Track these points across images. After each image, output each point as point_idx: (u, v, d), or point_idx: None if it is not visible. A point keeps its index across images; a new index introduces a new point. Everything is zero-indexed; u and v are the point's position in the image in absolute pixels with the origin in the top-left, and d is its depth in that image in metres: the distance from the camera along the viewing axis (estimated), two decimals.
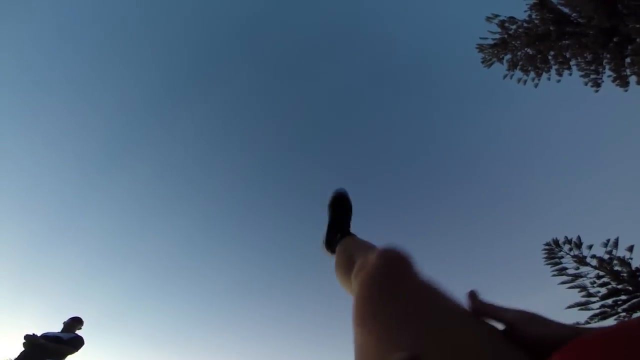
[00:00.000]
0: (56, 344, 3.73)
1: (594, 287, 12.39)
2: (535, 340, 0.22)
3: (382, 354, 0.22)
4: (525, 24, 11.55)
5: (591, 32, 11.45)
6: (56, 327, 4.05)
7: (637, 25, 10.93)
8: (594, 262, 12.70)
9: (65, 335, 3.88)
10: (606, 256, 12.61)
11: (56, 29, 30.58)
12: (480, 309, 0.31)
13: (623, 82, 12.41)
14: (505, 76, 13.09)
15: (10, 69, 27.84)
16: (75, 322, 4.05)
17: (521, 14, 11.42)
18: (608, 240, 12.69)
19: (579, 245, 13.28)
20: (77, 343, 3.89)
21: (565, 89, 14.06)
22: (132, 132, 36.27)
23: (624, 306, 11.64)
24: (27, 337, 3.64)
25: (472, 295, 0.33)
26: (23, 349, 3.72)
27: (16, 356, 3.72)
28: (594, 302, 12.13)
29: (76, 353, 3.89)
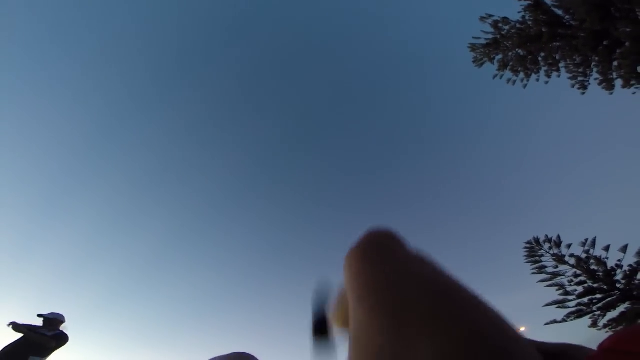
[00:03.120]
0: (41, 336, 3.70)
1: (571, 285, 12.86)
2: None
3: (388, 330, 0.22)
4: (518, 25, 11.29)
5: (582, 35, 11.34)
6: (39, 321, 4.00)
7: (628, 29, 10.88)
8: (572, 261, 13.13)
9: (50, 332, 3.84)
10: (584, 255, 13.05)
11: (45, 25, 28.15)
12: None
13: (609, 85, 12.48)
14: (495, 76, 12.94)
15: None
16: (53, 319, 3.98)
17: (515, 14, 11.14)
18: (586, 240, 13.11)
19: (558, 244, 13.68)
20: (61, 340, 3.86)
21: (551, 90, 14.06)
22: (121, 126, 34.55)
23: (599, 305, 12.16)
24: (11, 325, 3.66)
25: None
26: (8, 343, 3.66)
27: (2, 349, 3.63)
28: (570, 300, 12.61)
29: (60, 349, 3.85)
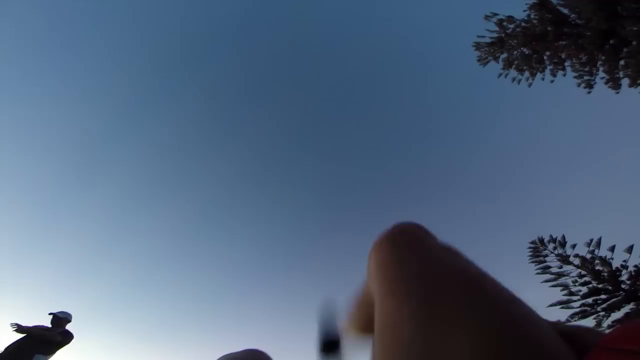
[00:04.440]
0: (46, 330, 3.74)
1: (575, 285, 12.79)
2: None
3: (422, 318, 0.22)
4: (523, 24, 11.24)
5: (588, 34, 11.26)
6: (43, 322, 4.03)
7: (635, 28, 10.78)
8: (577, 261, 13.05)
9: (56, 330, 3.89)
10: (589, 255, 12.96)
11: (46, 21, 28.45)
12: None
13: (615, 84, 12.39)
14: (500, 75, 12.88)
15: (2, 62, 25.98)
16: (63, 318, 4.03)
17: (520, 13, 11.09)
18: (591, 240, 13.02)
19: (563, 244, 13.59)
20: (66, 336, 3.90)
21: (556, 89, 13.98)
22: (124, 124, 34.81)
23: (604, 305, 12.09)
24: (14, 325, 3.66)
25: None
26: (13, 341, 3.67)
27: (5, 347, 3.63)
28: (575, 301, 12.55)
29: (65, 347, 3.89)
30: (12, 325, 3.63)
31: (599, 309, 12.13)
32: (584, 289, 12.58)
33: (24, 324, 3.70)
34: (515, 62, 12.37)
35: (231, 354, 0.67)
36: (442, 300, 0.22)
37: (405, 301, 0.23)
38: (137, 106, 34.96)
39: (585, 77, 12.53)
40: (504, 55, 12.33)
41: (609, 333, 0.21)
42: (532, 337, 0.19)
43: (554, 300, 12.98)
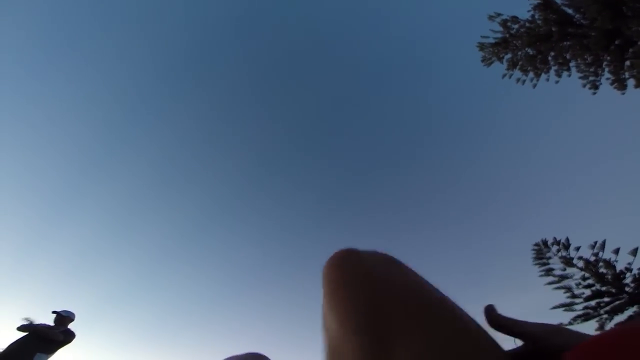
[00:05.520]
0: (49, 329, 3.76)
1: (579, 288, 12.68)
2: (561, 351, 0.24)
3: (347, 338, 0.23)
4: (527, 24, 11.17)
5: (593, 34, 11.17)
6: (46, 320, 4.04)
7: None
8: (581, 264, 12.94)
9: (58, 328, 3.90)
10: (592, 258, 12.85)
11: (52, 21, 28.76)
12: (499, 323, 0.32)
13: (621, 85, 12.27)
14: (504, 76, 12.80)
15: (7, 63, 26.27)
16: (66, 317, 4.04)
17: (524, 13, 11.03)
18: (595, 242, 12.90)
19: (567, 246, 13.48)
20: (68, 335, 3.90)
21: (561, 90, 13.88)
22: (128, 125, 35.10)
23: (607, 308, 11.97)
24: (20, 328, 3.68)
25: (490, 309, 0.34)
26: (15, 339, 3.67)
27: (7, 346, 3.64)
28: (578, 304, 12.44)
29: (67, 346, 3.89)
30: (19, 328, 3.68)
31: (602, 311, 12.01)
32: (588, 292, 12.47)
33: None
34: (520, 62, 12.30)
35: (234, 356, 0.68)
36: (387, 323, 0.23)
37: (353, 330, 0.24)
38: (140, 106, 35.21)
39: (591, 78, 12.42)
40: (508, 56, 12.26)
41: (583, 344, 0.20)
42: (480, 346, 0.20)
43: (556, 303, 12.90)
